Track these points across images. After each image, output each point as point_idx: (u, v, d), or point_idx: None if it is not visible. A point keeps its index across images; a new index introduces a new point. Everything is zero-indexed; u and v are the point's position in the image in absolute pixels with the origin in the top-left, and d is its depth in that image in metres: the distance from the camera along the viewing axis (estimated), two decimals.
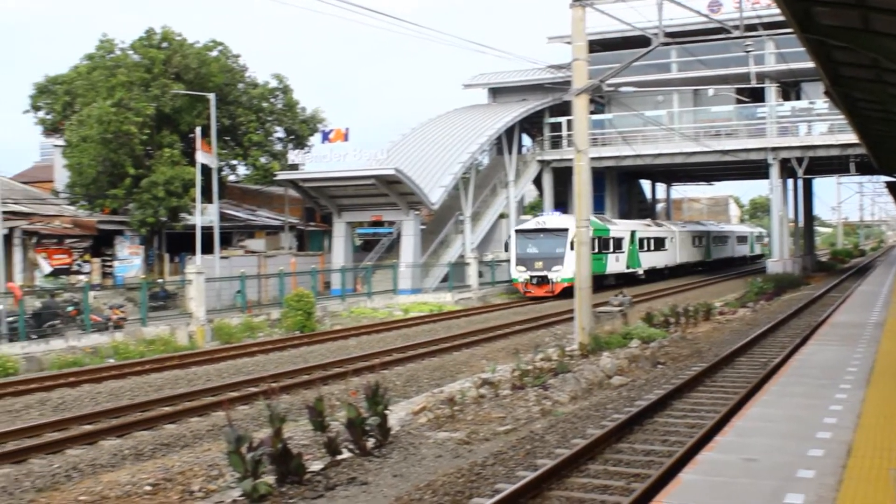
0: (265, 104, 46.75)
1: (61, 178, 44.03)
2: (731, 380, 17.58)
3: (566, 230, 40.46)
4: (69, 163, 39.45)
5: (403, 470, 11.57)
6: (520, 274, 42.27)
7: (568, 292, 38.09)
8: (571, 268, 38.68)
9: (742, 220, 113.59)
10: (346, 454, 12.13)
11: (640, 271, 51.16)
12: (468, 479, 10.91)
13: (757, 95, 50.66)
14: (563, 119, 53.67)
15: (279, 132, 48.53)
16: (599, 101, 53.34)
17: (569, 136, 51.56)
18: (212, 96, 37.62)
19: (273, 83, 47.63)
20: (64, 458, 13.52)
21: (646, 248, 52.22)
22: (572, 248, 38.83)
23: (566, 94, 38.98)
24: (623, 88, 41.12)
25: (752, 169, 58.69)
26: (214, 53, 43.91)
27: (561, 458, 11.33)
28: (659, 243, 55.07)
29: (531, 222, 44.17)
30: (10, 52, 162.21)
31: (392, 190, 41.71)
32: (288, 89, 48.19)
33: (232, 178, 50.15)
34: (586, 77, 22.44)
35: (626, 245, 48.99)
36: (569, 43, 37.96)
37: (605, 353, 20.31)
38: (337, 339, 27.49)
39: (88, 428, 15.17)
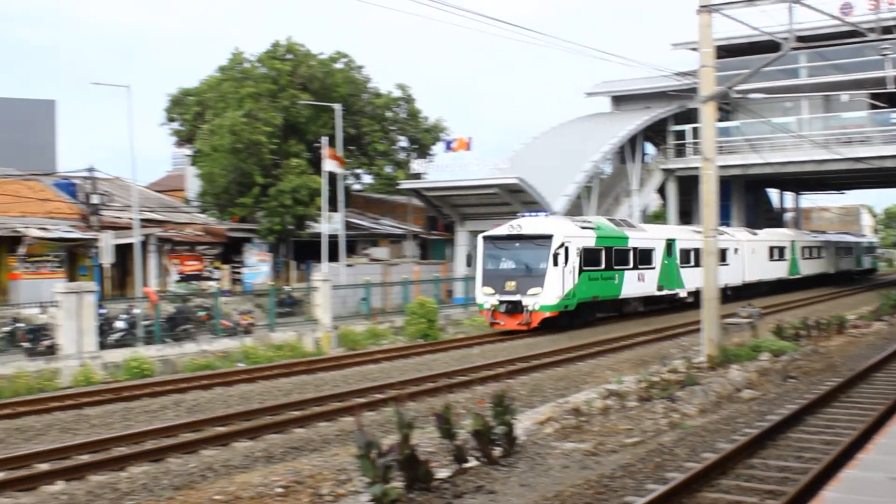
0: (389, 114, 47.41)
1: (192, 186, 45.58)
2: (868, 395, 16.93)
3: (550, 237, 31.12)
4: (201, 172, 40.78)
5: (531, 480, 11.52)
6: (486, 298, 31.36)
7: (550, 324, 31.23)
8: (556, 291, 30.69)
9: (875, 231, 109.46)
10: (472, 462, 12.15)
11: (684, 293, 39.94)
12: (596, 491, 10.80)
13: (893, 100, 48.82)
14: (687, 127, 52.79)
15: (402, 141, 49.16)
16: (725, 107, 52.24)
17: (693, 144, 50.69)
18: (337, 107, 38.36)
19: (396, 93, 48.30)
20: (199, 458, 13.93)
21: (692, 263, 40.08)
22: (557, 264, 30.77)
23: (692, 102, 38.32)
24: (751, 95, 40.10)
25: (888, 177, 56.55)
26: (339, 65, 44.81)
27: (691, 472, 11.10)
28: None
29: (504, 227, 33.06)
30: (146, 65, 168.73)
31: (515, 199, 41.66)
32: (410, 99, 48.78)
33: (356, 186, 51.03)
34: (713, 84, 21.99)
35: (657, 258, 37.85)
36: (694, 49, 37.39)
37: (734, 366, 19.84)
38: (460, 348, 27.59)
39: (221, 430, 15.59)
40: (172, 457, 13.89)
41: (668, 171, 53.88)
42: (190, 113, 44.83)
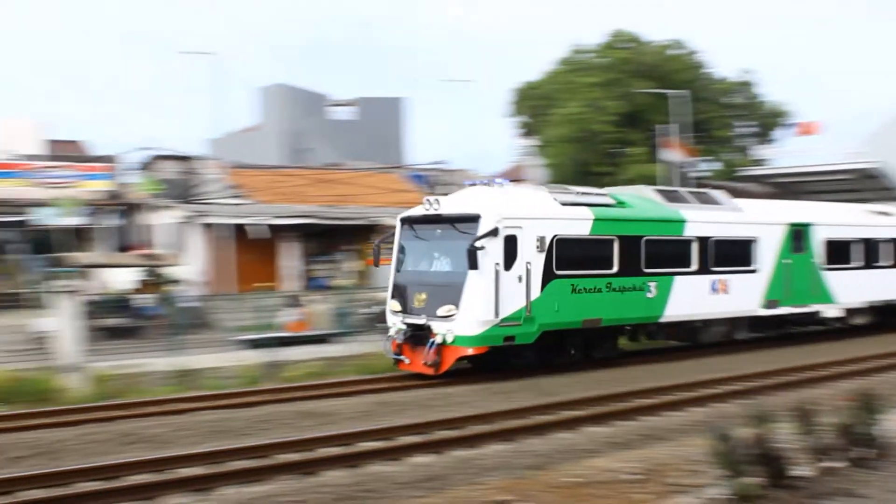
0: (731, 99, 46.25)
1: (533, 176, 46.93)
2: None
3: (475, 220, 19.06)
4: (549, 161, 42.03)
5: None
6: (392, 318, 20.63)
7: (482, 365, 20.41)
8: (481, 312, 18.84)
9: None
10: (830, 462, 11.66)
11: (833, 311, 26.37)
12: None
13: None
14: None
15: (744, 127, 47.81)
16: None
17: None
18: (685, 93, 37.90)
19: (739, 77, 46.98)
20: (550, 440, 14.33)
21: (852, 263, 26.95)
22: (476, 266, 18.42)
23: None
24: None
25: None
26: (678, 52, 44.28)
27: None
28: None
29: (420, 206, 20.95)
30: (483, 62, 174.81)
31: (869, 185, 39.19)
32: (751, 83, 47.28)
33: (694, 174, 50.29)
34: None
35: (764, 255, 24.26)
36: None
37: None
38: (807, 344, 26.44)
39: (571, 413, 15.96)
40: (525, 438, 14.37)
41: None
42: (531, 106, 46.15)
